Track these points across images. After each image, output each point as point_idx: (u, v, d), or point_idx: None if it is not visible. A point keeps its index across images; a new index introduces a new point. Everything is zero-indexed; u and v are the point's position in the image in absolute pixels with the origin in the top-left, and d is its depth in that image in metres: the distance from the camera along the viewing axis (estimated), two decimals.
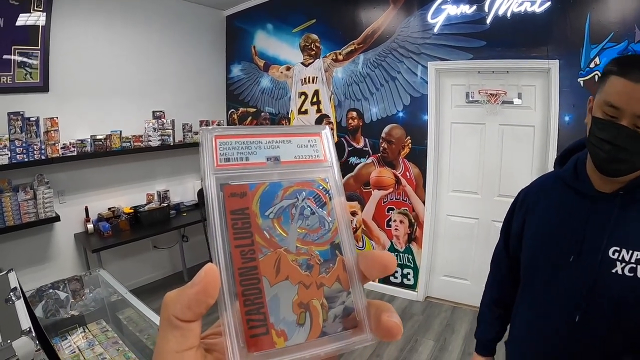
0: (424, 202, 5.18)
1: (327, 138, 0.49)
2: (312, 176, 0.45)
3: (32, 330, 1.80)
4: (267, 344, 0.39)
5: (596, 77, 4.15)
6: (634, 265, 1.31)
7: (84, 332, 2.85)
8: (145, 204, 5.69)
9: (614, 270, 1.35)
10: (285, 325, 0.40)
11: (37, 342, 1.76)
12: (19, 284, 2.29)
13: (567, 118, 4.34)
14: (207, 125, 6.16)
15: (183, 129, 6.02)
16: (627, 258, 1.33)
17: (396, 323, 0.41)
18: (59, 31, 4.76)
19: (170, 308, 0.38)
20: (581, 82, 4.25)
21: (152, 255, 6.02)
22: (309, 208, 0.44)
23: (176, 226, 5.65)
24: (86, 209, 5.13)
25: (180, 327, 0.38)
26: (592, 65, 4.17)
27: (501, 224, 4.53)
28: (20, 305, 2.01)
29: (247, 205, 0.41)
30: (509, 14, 4.48)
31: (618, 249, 1.35)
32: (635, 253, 1.31)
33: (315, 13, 5.71)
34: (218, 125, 6.26)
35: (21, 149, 4.34)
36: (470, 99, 4.88)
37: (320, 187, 0.45)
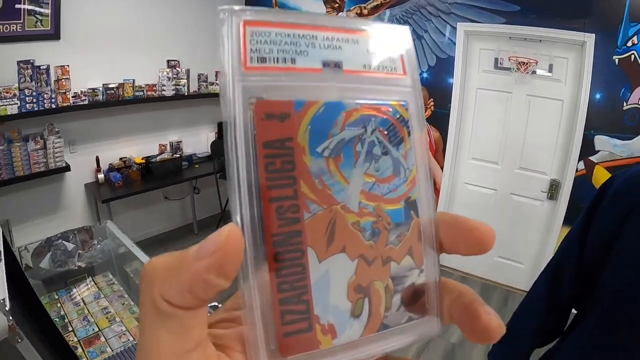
0: (442, 168, 5.03)
1: (410, 44, 0.34)
2: (387, 97, 0.31)
3: (7, 301, 1.55)
4: (308, 345, 0.27)
5: (632, 56, 3.95)
6: None
7: (91, 284, 2.80)
8: (158, 155, 5.57)
9: None
10: (335, 317, 0.28)
11: (11, 317, 1.59)
12: (10, 240, 2.14)
13: (598, 96, 4.15)
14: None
15: (198, 79, 5.79)
16: None
17: (497, 321, 0.30)
18: None
19: (157, 286, 0.24)
20: (616, 60, 4.03)
21: (163, 207, 5.93)
22: (380, 144, 0.30)
23: (188, 178, 5.57)
24: (97, 159, 5.02)
25: (177, 315, 0.24)
26: (629, 43, 3.96)
27: (519, 197, 4.44)
28: None
29: (290, 134, 0.27)
30: None
31: None
32: None
33: None
34: None
35: (31, 98, 4.20)
36: (499, 65, 4.65)
37: (398, 116, 0.31)
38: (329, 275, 0.28)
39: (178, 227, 6.10)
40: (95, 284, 2.78)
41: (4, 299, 1.53)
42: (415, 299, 0.31)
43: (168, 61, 5.52)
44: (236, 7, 0.27)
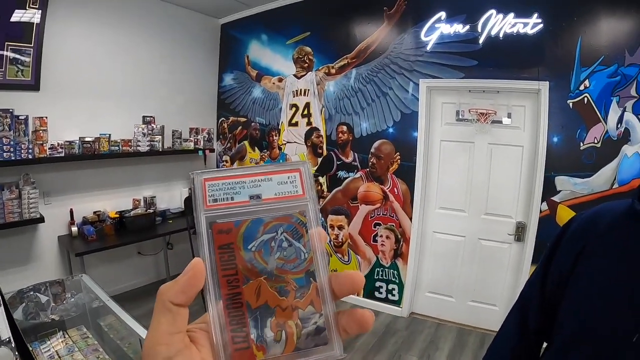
0: (410, 219, 5.05)
1: (306, 173, 0.51)
2: (290, 211, 0.48)
3: (12, 340, 1.65)
4: (249, 357, 0.44)
5: (585, 99, 4.14)
6: None
7: (64, 337, 2.66)
8: (131, 209, 5.46)
9: None
10: (264, 341, 0.45)
11: (17, 352, 1.59)
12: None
13: (555, 139, 4.30)
14: (196, 133, 6.03)
15: (172, 135, 5.80)
16: None
17: (368, 312, 0.47)
18: (54, 30, 4.56)
19: (165, 294, 0.43)
20: (570, 104, 4.22)
21: (136, 262, 5.76)
22: (286, 241, 0.47)
23: (161, 233, 5.43)
24: (71, 212, 4.91)
25: (173, 310, 0.43)
26: (581, 87, 4.16)
27: (487, 241, 4.48)
28: None
29: (232, 240, 0.46)
30: (501, 35, 4.45)
31: None
32: None
33: (310, 26, 5.57)
34: (208, 133, 6.14)
35: (8, 147, 4.13)
36: (461, 117, 4.78)
37: (298, 221, 0.48)
38: (258, 316, 0.45)
39: (151, 283, 5.90)
40: (70, 337, 2.66)
41: (9, 338, 1.67)
42: (319, 332, 0.46)
43: (143, 117, 5.53)
44: (199, 171, 0.48)
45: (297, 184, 0.50)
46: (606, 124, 4.08)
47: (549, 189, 4.33)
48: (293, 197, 0.49)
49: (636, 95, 3.95)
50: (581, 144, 4.17)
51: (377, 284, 5.33)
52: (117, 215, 5.21)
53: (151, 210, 5.58)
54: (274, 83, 5.93)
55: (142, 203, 5.67)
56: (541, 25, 4.27)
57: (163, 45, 5.76)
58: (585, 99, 4.13)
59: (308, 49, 5.59)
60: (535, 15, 4.27)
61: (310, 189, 0.50)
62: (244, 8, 6.04)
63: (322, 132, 5.57)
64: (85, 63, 4.89)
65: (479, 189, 4.79)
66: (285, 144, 5.90)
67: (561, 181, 4.28)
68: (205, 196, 0.46)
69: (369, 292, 5.38)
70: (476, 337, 4.70)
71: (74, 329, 2.74)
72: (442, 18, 4.66)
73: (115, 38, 5.20)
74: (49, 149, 4.43)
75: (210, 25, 6.45)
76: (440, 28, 4.67)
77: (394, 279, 5.23)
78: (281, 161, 5.85)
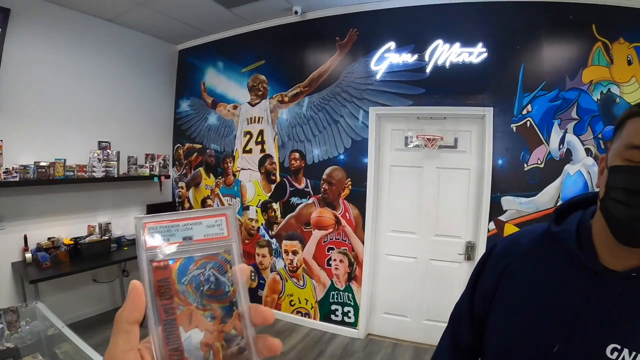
0: (363, 242, 5.05)
1: (232, 217, 0.56)
2: (217, 250, 0.54)
3: None
4: None
5: (528, 123, 4.29)
6: None
7: None
8: (86, 236, 5.25)
9: None
10: (195, 358, 0.51)
11: None
12: None
13: (500, 161, 4.43)
14: (152, 159, 5.92)
15: (128, 161, 5.67)
16: None
17: (277, 341, 0.54)
18: (12, 52, 4.44)
19: (120, 316, 0.49)
20: (514, 128, 4.38)
21: (92, 289, 5.52)
22: (213, 276, 0.53)
23: (117, 260, 5.23)
24: (25, 238, 4.70)
25: (128, 330, 0.48)
26: (524, 112, 4.33)
27: (438, 262, 4.52)
28: None
29: (168, 275, 0.51)
30: (447, 64, 4.57)
31: (618, 347, 0.94)
32: None
33: (265, 54, 5.60)
34: (163, 160, 6.06)
35: None
36: (409, 143, 4.85)
37: (223, 259, 0.54)
38: (190, 338, 0.51)
39: (107, 311, 5.65)
40: None
41: None
42: (241, 352, 0.52)
43: (99, 142, 5.41)
44: (141, 216, 0.53)
45: (223, 227, 0.55)
46: (549, 145, 4.23)
47: (496, 209, 4.43)
48: (220, 238, 0.54)
49: (577, 117, 4.13)
50: (525, 165, 4.31)
51: (333, 307, 5.27)
52: (72, 242, 5.00)
53: (106, 237, 5.38)
54: (229, 110, 5.91)
55: (97, 229, 5.47)
56: (485, 54, 4.43)
57: (121, 70, 5.69)
58: (528, 122, 4.29)
59: (262, 77, 5.60)
60: (480, 44, 4.42)
61: (234, 231, 0.55)
62: (201, 35, 6.04)
63: (276, 159, 5.55)
64: (43, 86, 4.78)
65: (429, 211, 4.85)
66: (239, 170, 5.84)
67: (507, 201, 4.39)
68: (145, 238, 0.52)
69: (325, 315, 5.33)
70: (432, 355, 4.66)
71: (29, 357, 2.60)
72: (392, 48, 4.77)
73: (74, 62, 5.10)
74: (4, 173, 4.26)
75: (168, 51, 6.41)
76: (390, 58, 4.77)
77: (349, 302, 5.20)
78: (235, 188, 5.84)
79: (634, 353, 0.91)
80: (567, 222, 1.13)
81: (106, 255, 5.20)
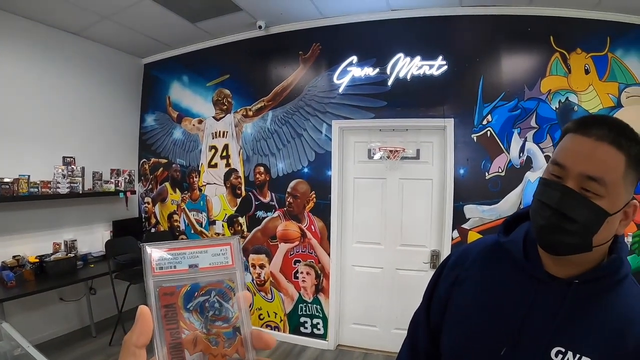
0: (329, 254, 5.01)
1: (236, 246, 0.57)
2: (222, 278, 0.55)
3: None
4: None
5: (488, 132, 4.35)
6: None
7: None
8: (52, 254, 5.04)
9: None
10: None
11: None
12: None
13: (462, 171, 4.48)
14: (117, 174, 5.75)
15: (93, 176, 5.50)
16: None
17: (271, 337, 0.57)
18: None
19: (129, 341, 0.50)
20: (475, 138, 4.45)
21: (59, 308, 5.27)
22: (217, 302, 0.54)
23: (83, 278, 5.03)
24: None
25: (136, 354, 0.49)
26: (484, 122, 4.41)
27: (404, 271, 4.51)
28: None
29: (174, 301, 0.52)
30: (409, 77, 4.62)
31: (562, 350, 0.99)
32: (584, 359, 0.96)
33: (229, 68, 5.55)
34: (129, 175, 5.92)
35: None
36: (372, 155, 4.83)
37: (228, 286, 0.55)
38: None
39: (75, 330, 5.43)
40: None
41: None
42: None
43: (64, 157, 5.24)
44: (150, 243, 0.53)
45: (227, 256, 0.56)
46: (509, 154, 4.30)
47: (459, 217, 4.47)
48: (224, 266, 0.56)
49: (536, 125, 4.20)
50: (486, 174, 4.36)
51: (302, 319, 5.20)
52: (37, 260, 4.79)
53: (72, 254, 5.19)
54: (194, 125, 5.83)
55: (62, 247, 5.28)
56: (446, 67, 4.49)
57: (86, 84, 5.55)
58: (489, 132, 4.36)
59: (227, 91, 5.55)
60: (440, 57, 4.48)
61: (238, 259, 0.57)
62: (166, 49, 5.97)
63: (241, 173, 5.49)
64: (3, 100, 4.62)
65: (393, 221, 4.85)
66: (205, 185, 5.74)
67: (470, 209, 4.43)
68: (152, 265, 0.53)
69: (294, 327, 5.24)
70: None
71: None
72: (354, 62, 4.78)
73: (37, 75, 4.95)
74: None
75: (133, 64, 6.28)
76: (352, 71, 4.78)
77: (317, 314, 5.13)
78: (201, 202, 5.75)
79: (577, 355, 0.96)
80: (515, 233, 1.19)
81: (72, 273, 5.00)
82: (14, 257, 4.71)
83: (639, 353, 0.95)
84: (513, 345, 1.05)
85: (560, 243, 0.99)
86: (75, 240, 5.43)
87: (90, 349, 4.92)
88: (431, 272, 4.53)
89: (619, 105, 4.08)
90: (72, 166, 5.20)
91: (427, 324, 1.36)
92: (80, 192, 5.23)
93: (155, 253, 0.54)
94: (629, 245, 4.11)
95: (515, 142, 4.29)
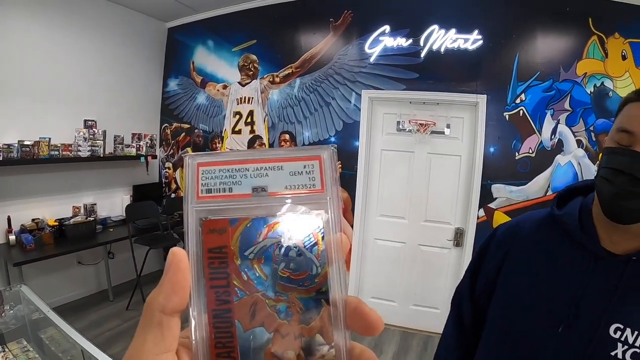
0: (352, 226, 4.90)
1: (329, 162, 0.39)
2: (304, 210, 0.38)
3: None
4: None
5: (521, 112, 4.23)
6: (639, 351, 0.96)
7: (4, 351, 2.37)
8: (71, 217, 5.00)
9: (613, 353, 0.98)
10: None
11: None
12: None
13: (492, 149, 4.36)
14: (138, 138, 5.64)
15: (114, 140, 5.40)
16: (630, 340, 0.97)
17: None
18: None
19: (153, 303, 0.34)
20: (507, 117, 4.31)
21: (77, 272, 5.24)
22: (295, 249, 0.37)
23: (102, 242, 4.97)
24: (8, 219, 4.44)
25: (163, 324, 0.33)
26: (517, 101, 4.26)
27: (427, 247, 4.48)
28: None
29: (225, 243, 0.36)
30: (442, 50, 4.46)
31: (621, 327, 0.98)
32: None
33: (256, 34, 5.38)
34: (150, 139, 5.82)
35: None
36: (401, 127, 4.70)
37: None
38: (250, 341, 0.35)
39: (92, 294, 5.41)
40: (10, 351, 2.35)
41: None
42: None
43: (85, 121, 5.12)
44: (194, 154, 0.39)
45: (315, 176, 0.39)
46: (540, 135, 4.17)
47: (486, 196, 4.37)
48: (309, 192, 0.38)
49: (570, 108, 4.05)
50: (516, 154, 4.24)
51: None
52: (57, 223, 4.75)
53: (92, 218, 5.14)
54: (218, 90, 5.69)
55: (82, 210, 5.23)
56: (481, 42, 4.33)
57: (108, 48, 5.39)
58: (521, 111, 4.22)
59: (253, 57, 5.40)
60: (476, 32, 4.32)
61: (332, 183, 0.39)
62: (191, 13, 5.77)
63: (265, 140, 5.38)
64: (27, 62, 4.49)
65: (419, 196, 4.74)
66: (228, 151, 5.69)
67: (497, 189, 4.33)
68: (198, 185, 0.38)
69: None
70: (419, 339, 4.59)
71: (14, 342, 2.40)
72: (386, 31, 4.61)
73: (59, 38, 4.80)
74: None
75: (156, 28, 6.11)
76: (384, 41, 4.62)
77: None
78: None
79: (636, 332, 0.96)
80: (569, 206, 1.18)
81: (91, 237, 4.96)
82: (33, 220, 4.67)
83: None
84: (569, 324, 1.05)
85: (631, 210, 0.98)
86: (95, 204, 5.38)
87: (107, 313, 4.91)
88: (454, 250, 4.57)
89: None
90: (94, 129, 5.10)
91: (471, 298, 1.38)
92: (101, 156, 5.15)
93: (202, 167, 0.38)
94: None
95: (548, 124, 4.17)
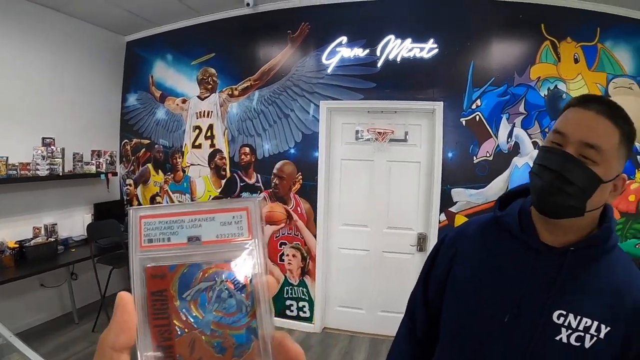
0: (315, 236, 4.91)
1: (255, 212, 0.43)
2: (233, 256, 0.42)
3: None
4: None
5: (477, 117, 4.33)
6: (582, 334, 1.04)
7: None
8: (32, 238, 4.81)
9: (557, 338, 1.06)
10: None
11: None
12: None
13: (450, 154, 4.44)
14: (98, 155, 5.50)
15: (74, 158, 5.24)
16: (574, 324, 1.05)
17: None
18: None
19: (104, 342, 0.37)
20: (463, 122, 4.41)
21: (40, 295, 5.02)
22: (226, 291, 0.41)
23: (64, 263, 4.80)
24: None
25: (114, 359, 0.36)
26: (473, 106, 4.36)
27: (391, 253, 4.51)
28: None
29: (166, 287, 0.40)
30: (399, 59, 4.53)
31: (564, 312, 1.07)
32: (585, 320, 1.05)
33: (215, 47, 5.35)
34: (110, 156, 5.72)
35: None
36: (360, 136, 4.74)
37: None
38: None
39: (57, 317, 5.21)
40: None
41: None
42: None
43: (43, 139, 4.96)
44: (137, 207, 0.42)
45: (242, 225, 0.43)
46: (497, 139, 4.27)
47: (446, 201, 4.44)
48: (237, 240, 0.42)
49: (525, 112, 4.19)
50: (474, 158, 4.33)
51: (288, 302, 5.09)
52: (17, 245, 4.55)
53: (53, 239, 4.95)
54: (177, 104, 5.63)
55: (42, 231, 5.01)
56: (436, 50, 4.43)
57: (65, 62, 5.26)
58: (477, 116, 4.33)
59: (212, 70, 5.36)
60: (431, 40, 4.42)
61: (257, 230, 0.43)
62: (150, 26, 5.71)
63: (225, 154, 5.33)
64: None
65: (380, 204, 4.78)
66: (189, 166, 5.57)
67: (457, 193, 4.40)
68: (140, 235, 0.41)
69: (280, 311, 5.13)
70: (388, 345, 4.55)
71: None
72: (343, 42, 4.66)
73: (14, 53, 4.66)
74: None
75: (115, 42, 5.99)
76: (341, 52, 4.66)
77: (303, 296, 5.04)
78: (185, 184, 5.57)
79: (578, 317, 1.05)
80: (510, 208, 1.28)
81: (53, 258, 4.77)
82: None
83: (638, 310, 1.03)
84: (516, 313, 1.12)
85: (558, 205, 1.07)
86: (56, 224, 5.18)
87: (73, 336, 4.74)
88: (418, 255, 4.57)
89: (606, 95, 4.14)
90: (52, 147, 4.92)
91: (425, 303, 1.45)
92: (61, 174, 4.98)
93: (144, 219, 0.42)
94: None
95: (504, 127, 4.28)
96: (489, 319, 1.18)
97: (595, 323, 1.04)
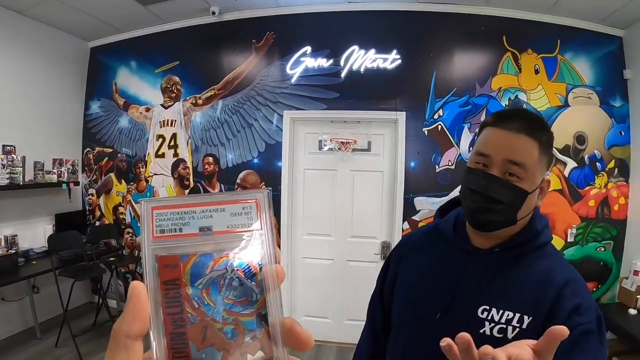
0: (279, 246, 4.86)
1: (264, 203, 0.44)
2: (243, 246, 0.43)
3: None
4: None
5: (439, 127, 4.39)
6: (504, 326, 1.12)
7: None
8: None
9: (481, 331, 1.14)
10: None
11: None
12: None
13: (412, 164, 4.50)
14: (60, 164, 5.34)
15: (34, 167, 5.08)
16: (496, 318, 1.14)
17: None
18: None
19: (118, 330, 0.38)
20: (426, 132, 4.47)
21: (0, 309, 4.84)
22: (237, 279, 0.42)
23: (25, 276, 4.58)
24: None
25: (128, 347, 0.38)
26: (436, 116, 4.43)
27: (355, 262, 4.51)
28: None
29: (178, 276, 0.41)
30: (362, 69, 4.58)
31: (487, 307, 1.15)
32: (507, 313, 1.13)
33: (179, 55, 5.30)
34: (72, 165, 5.56)
35: None
36: (323, 146, 4.75)
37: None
38: (204, 358, 0.40)
39: (18, 332, 5.02)
40: None
41: None
42: None
43: (3, 146, 4.79)
44: (149, 198, 0.43)
45: (252, 216, 0.44)
46: (459, 148, 4.34)
47: (409, 209, 4.49)
48: (248, 230, 0.44)
49: None
50: (437, 167, 4.40)
51: None
52: None
53: (13, 251, 4.76)
54: (141, 112, 5.53)
55: (2, 243, 4.82)
56: (399, 61, 4.50)
57: (27, 67, 5.11)
58: (440, 126, 4.39)
59: (176, 78, 5.31)
60: (394, 51, 4.48)
61: (267, 221, 0.44)
62: (114, 32, 5.61)
63: (189, 164, 5.27)
64: None
65: (344, 213, 4.80)
66: (152, 175, 5.47)
67: (420, 201, 4.46)
68: (152, 227, 0.42)
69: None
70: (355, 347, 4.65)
71: None
72: (307, 52, 4.67)
73: None
74: None
75: (78, 48, 5.84)
76: (305, 62, 4.68)
77: None
78: (148, 194, 5.47)
79: (500, 311, 1.13)
80: (449, 215, 1.40)
81: (13, 271, 4.58)
82: None
83: (559, 300, 1.09)
84: (446, 310, 1.22)
85: (489, 222, 1.17)
86: (16, 235, 4.99)
87: (35, 351, 4.59)
88: (382, 263, 4.59)
89: (566, 104, 4.29)
90: (12, 155, 4.76)
91: (381, 303, 1.54)
92: (21, 184, 4.81)
93: (156, 210, 0.43)
94: (573, 237, 4.34)
95: (466, 137, 4.35)
96: (423, 318, 1.27)
97: (517, 315, 1.11)
